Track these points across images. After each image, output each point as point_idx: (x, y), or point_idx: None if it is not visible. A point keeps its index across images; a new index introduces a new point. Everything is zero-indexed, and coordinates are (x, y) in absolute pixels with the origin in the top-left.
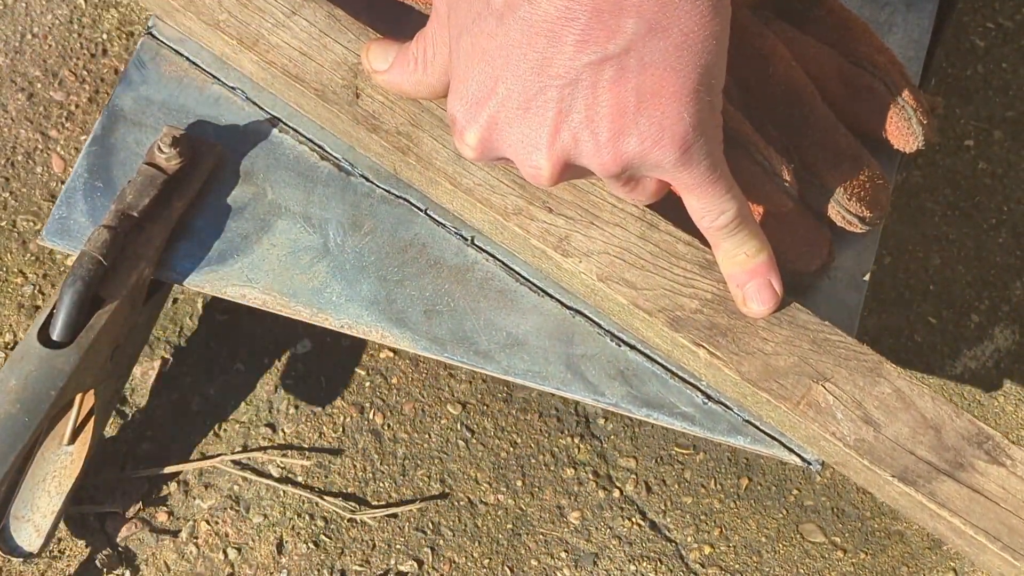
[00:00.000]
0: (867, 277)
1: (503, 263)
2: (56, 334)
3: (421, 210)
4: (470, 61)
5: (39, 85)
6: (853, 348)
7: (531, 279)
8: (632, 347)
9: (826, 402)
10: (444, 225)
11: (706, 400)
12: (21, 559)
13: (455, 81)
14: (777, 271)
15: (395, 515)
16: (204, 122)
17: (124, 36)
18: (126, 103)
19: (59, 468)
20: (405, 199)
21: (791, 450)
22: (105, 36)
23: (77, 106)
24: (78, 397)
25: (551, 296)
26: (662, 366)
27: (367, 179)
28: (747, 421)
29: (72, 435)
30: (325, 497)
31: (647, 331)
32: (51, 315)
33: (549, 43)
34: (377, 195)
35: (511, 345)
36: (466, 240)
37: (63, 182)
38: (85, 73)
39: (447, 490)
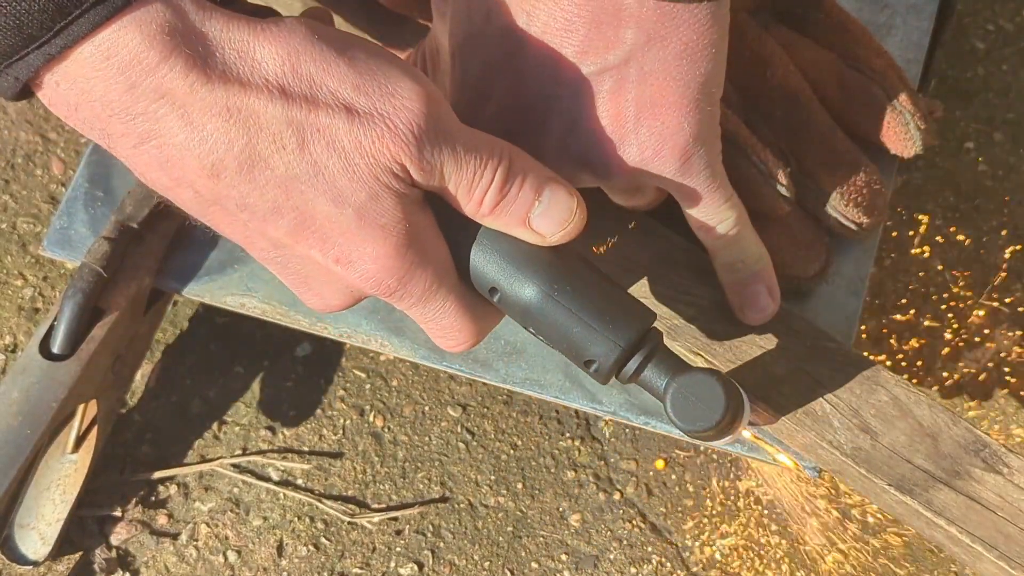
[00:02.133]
0: (865, 283)
1: None
2: (57, 346)
3: None
4: (469, 71)
5: None
6: (850, 356)
7: None
8: None
9: (823, 410)
10: None
11: None
12: (27, 567)
13: (455, 93)
14: (774, 279)
15: (395, 518)
16: None
17: None
18: None
19: (63, 476)
20: None
21: (788, 457)
22: None
23: None
24: (81, 406)
25: None
26: None
27: None
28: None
29: (75, 444)
30: (324, 500)
31: None
32: (52, 327)
33: (548, 55)
34: None
35: (509, 353)
36: None
37: (63, 184)
38: None
39: (447, 492)
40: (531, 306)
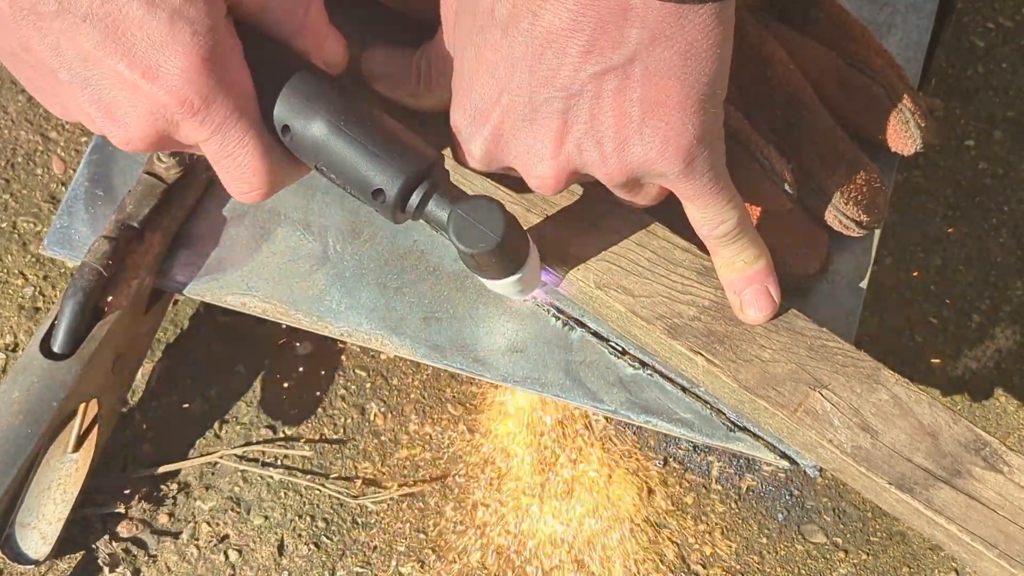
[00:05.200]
0: (865, 281)
1: None
2: (58, 345)
3: None
4: (474, 72)
5: None
6: (850, 355)
7: None
8: (630, 353)
9: (823, 409)
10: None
11: (704, 406)
12: (27, 566)
13: (459, 92)
14: (775, 278)
15: (400, 499)
16: None
17: None
18: None
19: (64, 476)
20: None
21: (788, 456)
22: None
23: None
24: (81, 405)
25: (549, 302)
26: (660, 372)
27: None
28: (745, 427)
29: (76, 443)
30: (328, 482)
31: (645, 338)
32: (52, 326)
33: (554, 54)
34: None
35: (510, 352)
36: None
37: (63, 184)
38: None
39: (448, 491)
40: (320, 139)
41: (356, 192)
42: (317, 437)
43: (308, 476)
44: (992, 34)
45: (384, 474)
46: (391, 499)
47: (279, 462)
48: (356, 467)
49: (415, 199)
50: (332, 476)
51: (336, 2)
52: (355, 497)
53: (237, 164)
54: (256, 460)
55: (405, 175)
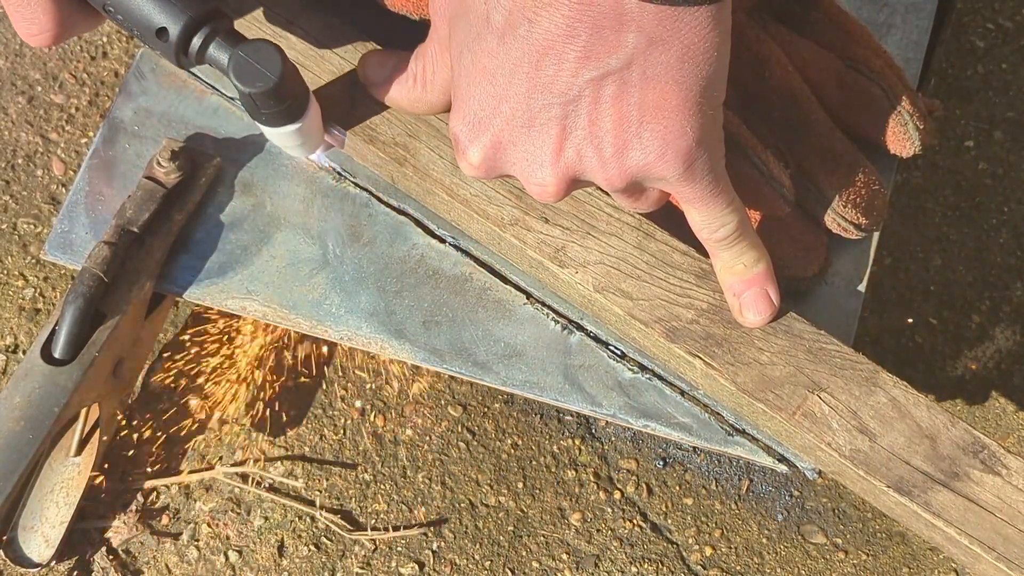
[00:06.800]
0: (864, 283)
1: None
2: (58, 351)
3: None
4: (472, 80)
5: (39, 88)
6: (849, 357)
7: (529, 288)
8: (630, 357)
9: (821, 412)
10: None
11: (703, 410)
12: (31, 569)
13: (457, 100)
14: (774, 281)
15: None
16: (202, 133)
17: (124, 39)
18: (126, 114)
19: (66, 479)
20: (403, 210)
21: (787, 459)
22: (105, 39)
23: (77, 109)
24: (83, 409)
25: (548, 306)
26: (659, 376)
27: (365, 189)
28: (744, 431)
29: (78, 447)
30: (324, 512)
31: (644, 341)
32: (53, 332)
33: (551, 61)
34: (375, 205)
35: (509, 356)
36: (464, 251)
37: (64, 185)
38: (85, 76)
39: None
40: None
41: (141, 33)
42: (317, 438)
43: (307, 477)
44: (992, 34)
45: (384, 475)
46: (391, 500)
47: (279, 463)
48: (356, 468)
49: (197, 41)
50: (331, 480)
51: (333, 3)
52: (351, 532)
53: (26, 3)
54: (256, 461)
55: (188, 15)
